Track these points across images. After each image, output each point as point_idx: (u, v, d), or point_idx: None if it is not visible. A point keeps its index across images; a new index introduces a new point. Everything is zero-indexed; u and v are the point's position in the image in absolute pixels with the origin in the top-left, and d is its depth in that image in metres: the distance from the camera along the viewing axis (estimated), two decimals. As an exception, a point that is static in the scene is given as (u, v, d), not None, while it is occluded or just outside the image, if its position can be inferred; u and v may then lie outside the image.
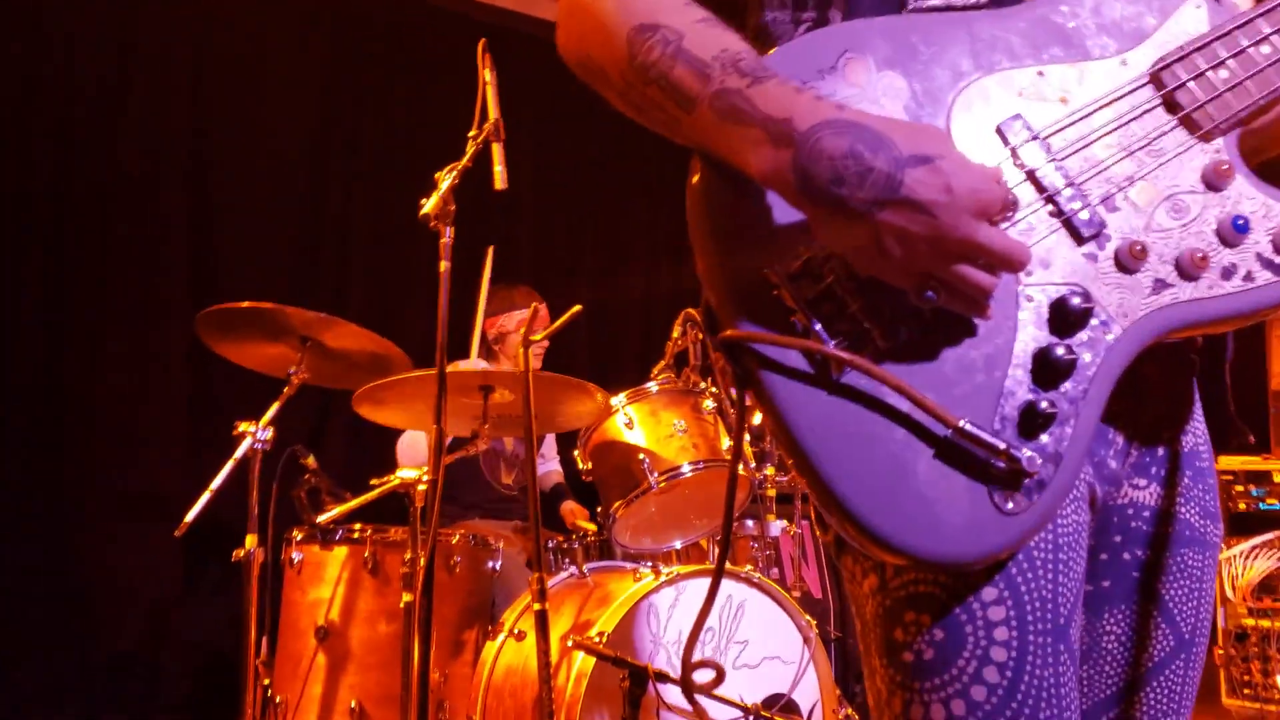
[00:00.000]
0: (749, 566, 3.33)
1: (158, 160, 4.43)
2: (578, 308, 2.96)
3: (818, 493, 0.91)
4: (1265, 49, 0.99)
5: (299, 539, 3.13)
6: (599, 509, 3.39)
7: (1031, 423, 0.90)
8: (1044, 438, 0.91)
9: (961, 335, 0.93)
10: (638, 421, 3.29)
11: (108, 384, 4.20)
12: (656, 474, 3.18)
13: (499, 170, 2.65)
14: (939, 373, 0.92)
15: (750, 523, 3.77)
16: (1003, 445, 0.89)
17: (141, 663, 4.06)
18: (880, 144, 0.86)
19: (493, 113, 2.67)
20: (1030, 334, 0.93)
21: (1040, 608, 0.96)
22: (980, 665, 0.94)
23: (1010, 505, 0.90)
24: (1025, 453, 0.89)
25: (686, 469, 3.16)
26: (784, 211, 0.94)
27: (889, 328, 0.92)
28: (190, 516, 2.76)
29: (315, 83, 4.89)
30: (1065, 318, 0.92)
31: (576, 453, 3.51)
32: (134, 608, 4.08)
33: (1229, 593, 4.08)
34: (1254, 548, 3.92)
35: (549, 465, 4.41)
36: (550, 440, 4.41)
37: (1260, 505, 3.99)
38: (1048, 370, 0.91)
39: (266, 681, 3.00)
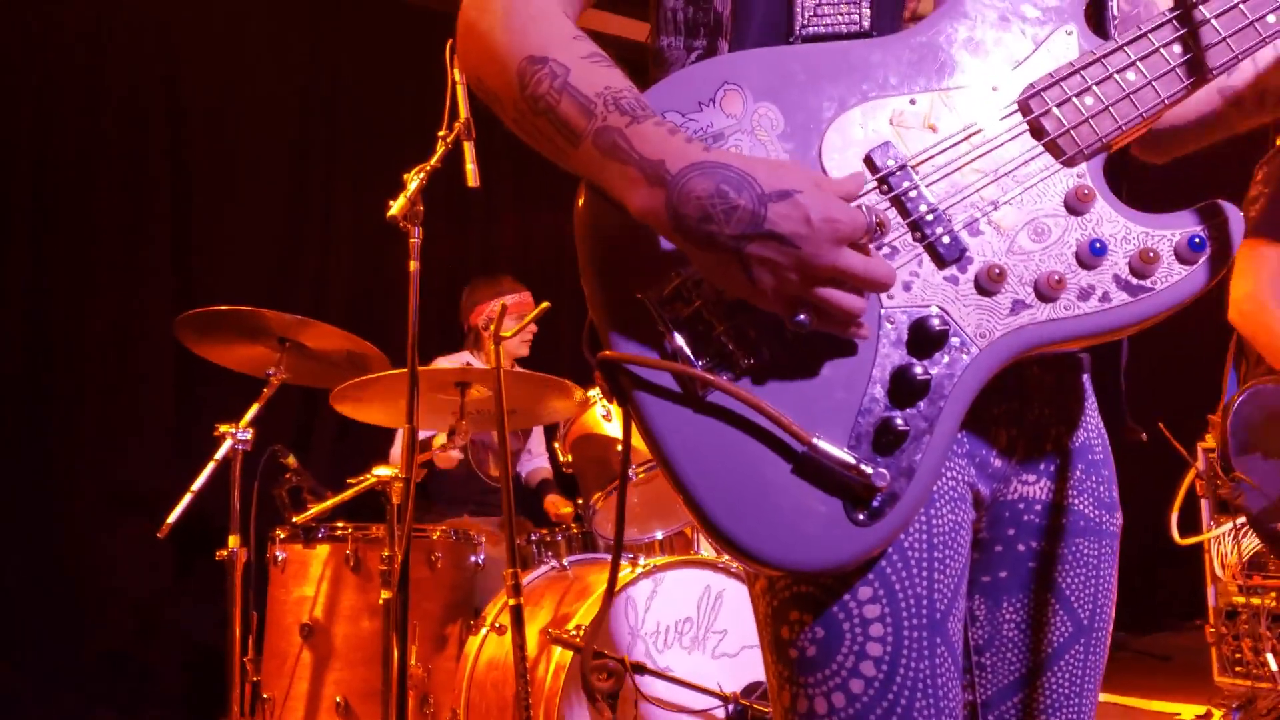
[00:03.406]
0: (727, 556, 3.37)
1: (138, 162, 4.48)
2: (546, 304, 2.99)
3: (687, 505, 0.96)
4: (1130, 75, 1.01)
5: (282, 538, 3.19)
6: (579, 500, 3.43)
7: (886, 439, 0.95)
8: (897, 453, 0.95)
9: (823, 355, 0.97)
10: (615, 414, 3.32)
11: (92, 384, 4.28)
12: (635, 465, 3.21)
13: (471, 168, 2.68)
14: (800, 391, 0.96)
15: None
16: (853, 460, 0.94)
17: (130, 660, 4.13)
18: (744, 183, 0.91)
19: (463, 111, 2.70)
20: (889, 354, 0.97)
21: (915, 604, 1.01)
22: (857, 660, 1.00)
23: (862, 517, 0.95)
24: (875, 468, 0.94)
25: (664, 461, 3.18)
26: (658, 239, 0.99)
27: (753, 348, 0.97)
28: (173, 517, 2.82)
29: (293, 84, 4.93)
30: (924, 339, 0.96)
31: (556, 445, 3.55)
32: (122, 606, 4.16)
33: (1219, 571, 4.10)
34: (1241, 525, 3.92)
35: (537, 461, 4.45)
36: (538, 434, 4.45)
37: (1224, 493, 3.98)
38: (904, 389, 0.95)
39: (255, 679, 3.07)
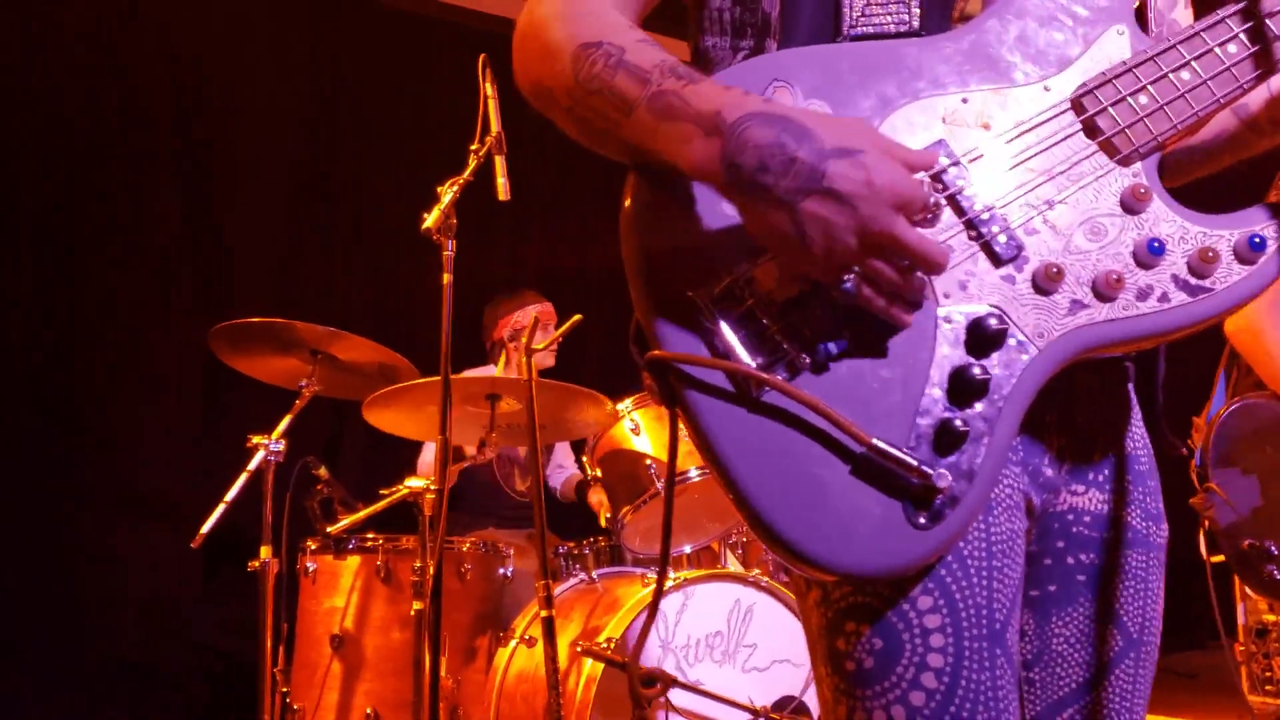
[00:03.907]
0: (758, 570, 3.36)
1: (170, 175, 4.52)
2: (578, 317, 3.00)
3: (741, 508, 0.94)
4: (1185, 75, 1.01)
5: (313, 549, 3.20)
6: (607, 515, 3.42)
7: (946, 440, 0.93)
8: (958, 455, 0.93)
9: (879, 355, 0.95)
10: (644, 427, 3.32)
11: (124, 395, 4.30)
12: (663, 479, 3.21)
13: (502, 182, 2.70)
14: (857, 391, 0.94)
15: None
16: (915, 462, 0.91)
17: (159, 670, 4.14)
18: (805, 136, 0.90)
19: (495, 126, 2.72)
20: (947, 354, 0.95)
21: (975, 614, 0.99)
22: (918, 671, 0.97)
23: (923, 520, 0.93)
24: (937, 469, 0.92)
25: (694, 473, 3.18)
26: (709, 235, 0.98)
27: (808, 348, 0.95)
28: (206, 528, 2.83)
29: (321, 96, 4.97)
30: (981, 338, 0.95)
31: (584, 459, 3.55)
32: (152, 616, 4.17)
33: (1249, 588, 4.03)
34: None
35: (568, 471, 4.44)
36: (564, 447, 4.45)
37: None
38: (963, 389, 0.94)
39: (285, 690, 3.07)
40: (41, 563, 4.02)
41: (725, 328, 0.95)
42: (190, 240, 4.57)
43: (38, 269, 4.22)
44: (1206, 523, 2.94)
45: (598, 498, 4.15)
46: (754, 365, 0.94)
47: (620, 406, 3.30)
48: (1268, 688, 4.00)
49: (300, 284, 4.75)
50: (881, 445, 0.91)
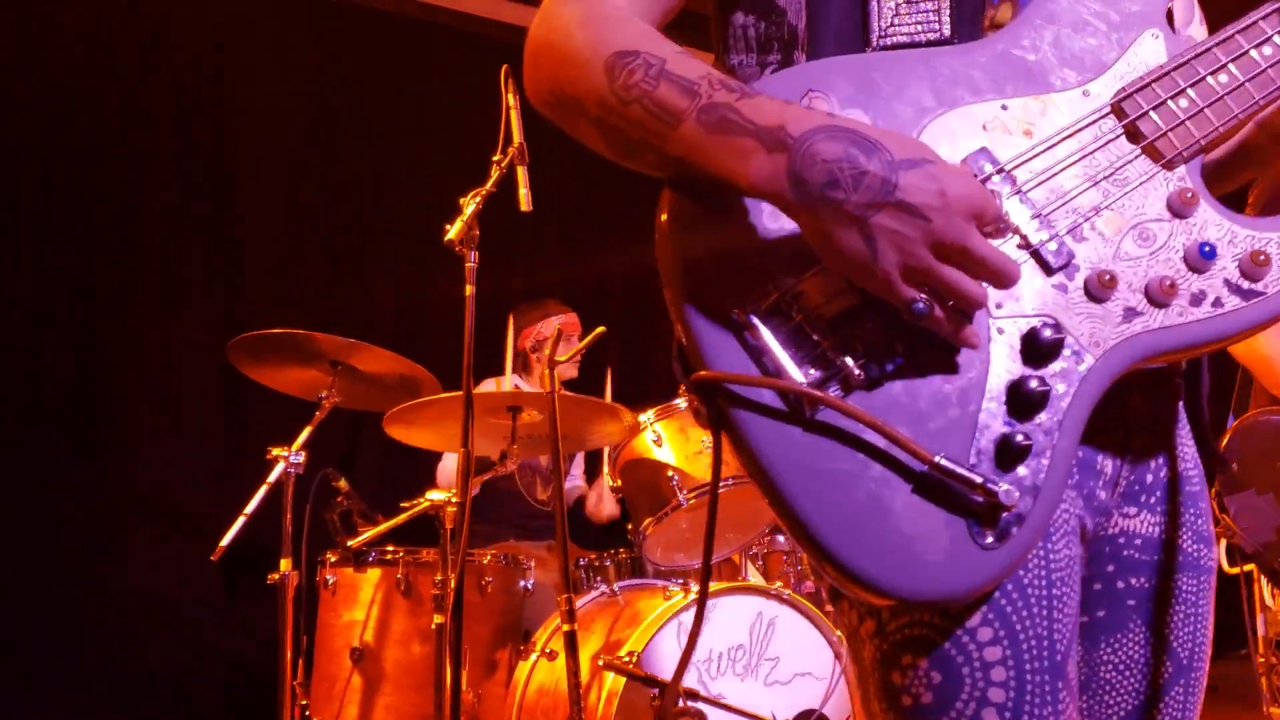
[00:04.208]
0: (779, 582, 3.33)
1: (189, 185, 4.53)
2: (601, 329, 2.98)
3: (796, 533, 0.90)
4: (1223, 77, 1.00)
5: (333, 561, 3.18)
6: (629, 526, 3.40)
7: (1007, 455, 0.90)
8: (1021, 470, 0.90)
9: (934, 370, 0.92)
10: (666, 438, 3.31)
11: (142, 406, 4.30)
12: (686, 491, 3.19)
13: (524, 193, 2.69)
14: (913, 408, 0.91)
15: (782, 537, 3.76)
16: (980, 479, 0.88)
17: (179, 682, 4.14)
18: (874, 148, 0.87)
19: (517, 136, 2.71)
20: (1003, 366, 0.93)
21: (1037, 645, 0.95)
22: (979, 706, 0.93)
23: (989, 539, 0.89)
24: (1002, 486, 0.88)
25: (715, 486, 3.15)
26: (754, 249, 0.95)
27: (861, 364, 0.92)
28: (226, 540, 2.82)
29: (344, 107, 4.97)
30: (1037, 349, 0.92)
31: (606, 470, 3.53)
32: (171, 628, 4.16)
33: (1269, 600, 3.99)
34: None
35: (572, 481, 4.42)
36: (579, 459, 4.43)
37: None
38: (1022, 402, 0.91)
39: (304, 702, 3.05)
40: (61, 573, 4.01)
41: (774, 345, 0.92)
42: (213, 251, 4.57)
43: (57, 277, 4.23)
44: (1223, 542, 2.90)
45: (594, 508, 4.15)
46: (806, 383, 0.91)
47: (642, 418, 3.28)
48: (1289, 700, 3.95)
49: (321, 295, 4.75)
50: (945, 463, 0.88)
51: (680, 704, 2.65)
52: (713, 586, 3.03)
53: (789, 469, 0.90)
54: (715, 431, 0.94)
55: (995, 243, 0.95)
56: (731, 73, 1.13)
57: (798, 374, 0.91)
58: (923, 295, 0.88)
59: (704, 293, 0.94)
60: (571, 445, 3.52)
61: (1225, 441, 2.77)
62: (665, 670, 2.86)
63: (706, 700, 2.80)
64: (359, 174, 5.00)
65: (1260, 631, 4.06)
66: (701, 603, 1.04)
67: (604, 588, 3.23)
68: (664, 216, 0.98)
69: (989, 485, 0.88)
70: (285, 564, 2.90)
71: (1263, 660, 4.00)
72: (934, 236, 0.86)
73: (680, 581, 3.16)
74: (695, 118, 0.92)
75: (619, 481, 3.48)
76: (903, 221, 0.86)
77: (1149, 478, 1.11)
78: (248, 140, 4.69)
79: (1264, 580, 4.04)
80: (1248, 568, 3.83)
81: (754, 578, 3.57)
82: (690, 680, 2.87)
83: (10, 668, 3.84)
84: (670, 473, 3.26)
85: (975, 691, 0.93)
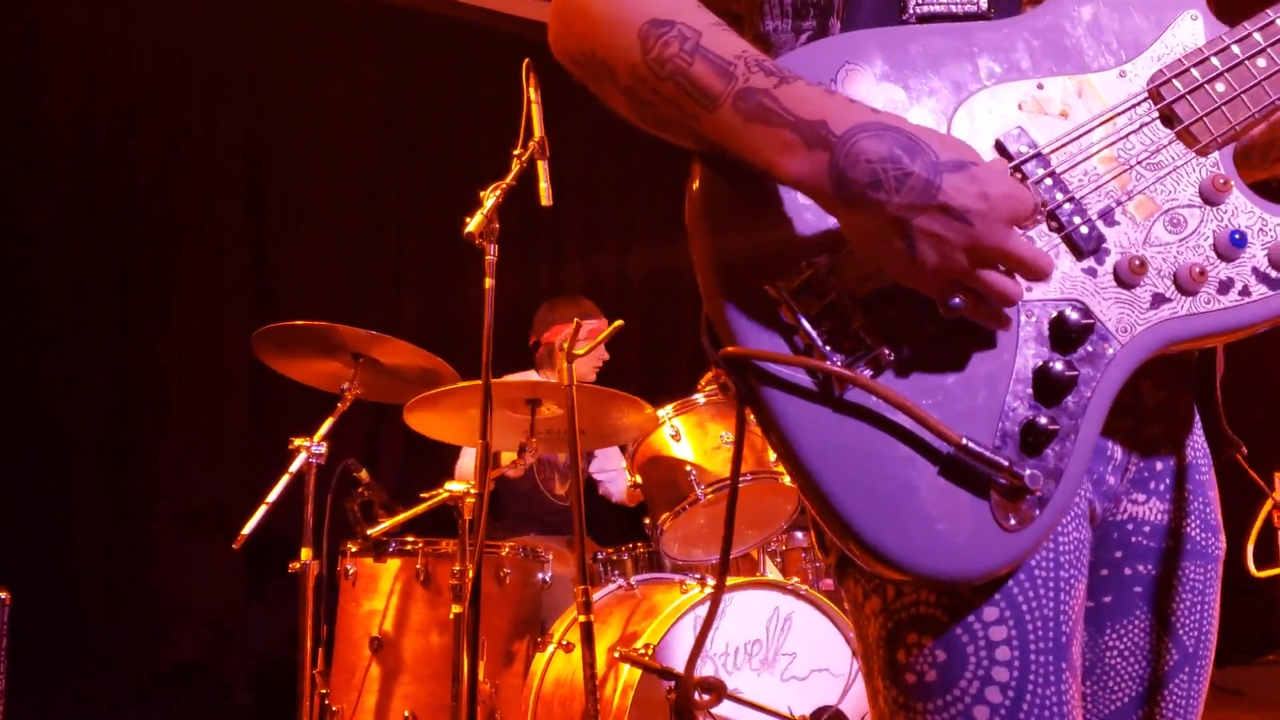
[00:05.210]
0: (797, 578, 3.33)
1: (217, 181, 4.58)
2: (619, 323, 2.99)
3: (821, 510, 0.91)
4: (1261, 62, 0.98)
5: (353, 551, 3.20)
6: (647, 520, 3.41)
7: (1032, 439, 0.91)
8: (1045, 454, 0.91)
9: (964, 352, 0.93)
10: (684, 433, 3.30)
11: (171, 400, 4.35)
12: (703, 486, 3.19)
13: (544, 187, 2.70)
14: (941, 390, 0.92)
15: (800, 534, 3.76)
16: (1005, 462, 0.89)
17: (202, 672, 4.17)
18: (918, 149, 0.86)
19: (538, 131, 2.71)
20: (1031, 350, 0.93)
21: (1042, 626, 0.95)
22: (983, 685, 0.94)
23: (1012, 521, 0.90)
24: (1026, 470, 0.89)
25: (733, 480, 3.14)
26: (787, 225, 0.95)
27: (892, 345, 0.92)
28: (247, 529, 2.84)
29: (367, 103, 5.00)
30: (1065, 333, 0.92)
31: (624, 465, 3.53)
32: (194, 618, 4.20)
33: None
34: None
35: (615, 473, 4.39)
36: (614, 452, 4.41)
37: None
38: (1048, 386, 0.91)
39: (323, 691, 3.07)
40: (83, 565, 4.05)
41: (806, 323, 0.92)
42: (243, 248, 4.61)
43: (88, 271, 4.27)
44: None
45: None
46: (837, 362, 0.91)
47: (661, 413, 3.28)
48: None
49: (347, 289, 4.78)
50: (971, 445, 0.89)
51: (696, 696, 2.64)
52: (730, 581, 3.03)
53: (816, 446, 0.90)
54: (741, 407, 0.94)
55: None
56: (766, 39, 1.11)
57: (828, 352, 0.91)
58: (959, 294, 0.89)
59: (735, 267, 0.94)
60: (591, 440, 3.52)
61: None
62: (681, 663, 2.87)
63: (731, 697, 2.79)
64: (384, 169, 5.03)
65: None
66: (719, 591, 1.04)
67: (621, 581, 3.23)
68: (695, 186, 0.97)
69: (1015, 469, 0.89)
70: (306, 553, 2.92)
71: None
72: (974, 240, 0.86)
73: (697, 576, 3.16)
74: (732, 103, 0.91)
75: (638, 477, 3.48)
76: (944, 224, 0.86)
77: (1159, 465, 1.11)
78: (275, 136, 4.73)
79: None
80: (1274, 572, 3.82)
81: (772, 573, 3.57)
82: (707, 673, 2.87)
83: (37, 663, 3.88)
84: (688, 468, 3.26)
85: (980, 670, 0.94)
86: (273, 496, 2.88)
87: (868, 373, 0.91)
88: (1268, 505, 3.80)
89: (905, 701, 0.97)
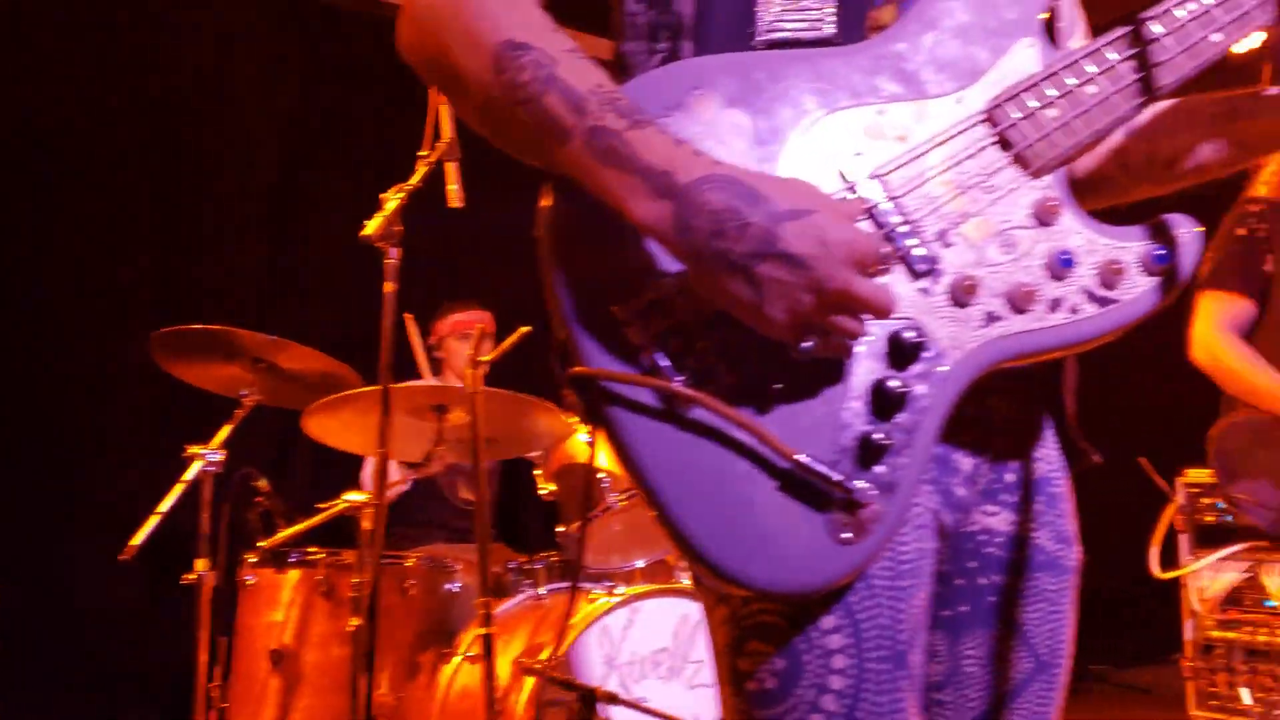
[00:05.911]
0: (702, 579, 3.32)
1: (124, 177, 4.44)
2: (526, 329, 2.95)
3: (664, 526, 0.93)
4: (1091, 89, 1.02)
5: (253, 562, 3.13)
6: (559, 528, 3.38)
7: (867, 453, 0.93)
8: (879, 468, 0.93)
9: (802, 370, 0.94)
10: (598, 441, 3.27)
11: (68, 403, 4.21)
12: (616, 493, 3.17)
13: (453, 189, 2.67)
14: (781, 407, 0.94)
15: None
16: (837, 477, 0.91)
17: (96, 683, 4.04)
18: (757, 199, 0.89)
19: (447, 132, 2.68)
20: (867, 367, 0.95)
21: (878, 635, 0.97)
22: (819, 693, 0.96)
23: (848, 535, 0.92)
24: (858, 484, 0.92)
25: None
26: (634, 247, 0.96)
27: (735, 364, 0.94)
28: (139, 539, 2.76)
29: (278, 104, 4.90)
30: (900, 351, 0.95)
31: (538, 473, 3.50)
32: (90, 627, 4.07)
33: (1195, 605, 4.07)
34: (1220, 560, 3.92)
35: None
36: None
37: (1227, 518, 4.00)
38: (883, 402, 0.94)
39: (223, 705, 3.00)
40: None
41: (650, 343, 0.93)
42: (148, 248, 4.48)
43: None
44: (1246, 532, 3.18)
45: None
46: (680, 381, 0.93)
47: (574, 420, 3.25)
48: (1212, 703, 4.03)
49: (247, 291, 4.67)
50: (805, 460, 0.91)
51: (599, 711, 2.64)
52: (640, 589, 3.03)
53: (660, 464, 0.92)
54: (596, 427, 0.96)
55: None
56: (624, 59, 1.13)
57: (672, 372, 0.93)
58: (809, 336, 0.91)
59: (582, 286, 0.95)
60: (504, 448, 3.48)
61: (1216, 440, 3.01)
62: (586, 673, 2.85)
63: (625, 703, 2.78)
64: (294, 170, 4.93)
65: (1188, 636, 4.14)
66: (574, 589, 1.04)
67: (531, 591, 3.20)
68: (546, 205, 0.98)
69: (846, 483, 0.91)
70: (201, 564, 2.86)
71: (1190, 664, 4.08)
72: (816, 283, 0.88)
73: (608, 584, 3.14)
74: (584, 140, 0.92)
75: (553, 485, 3.45)
76: (786, 270, 0.88)
77: (1009, 477, 1.14)
78: (183, 136, 4.61)
79: (1191, 587, 4.11)
80: (1177, 573, 3.91)
81: (687, 580, 3.56)
82: (612, 685, 2.86)
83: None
84: (602, 475, 3.24)
85: (816, 678, 0.96)
86: (166, 506, 2.81)
87: (710, 391, 0.93)
88: (1170, 509, 3.89)
89: (746, 710, 0.99)
